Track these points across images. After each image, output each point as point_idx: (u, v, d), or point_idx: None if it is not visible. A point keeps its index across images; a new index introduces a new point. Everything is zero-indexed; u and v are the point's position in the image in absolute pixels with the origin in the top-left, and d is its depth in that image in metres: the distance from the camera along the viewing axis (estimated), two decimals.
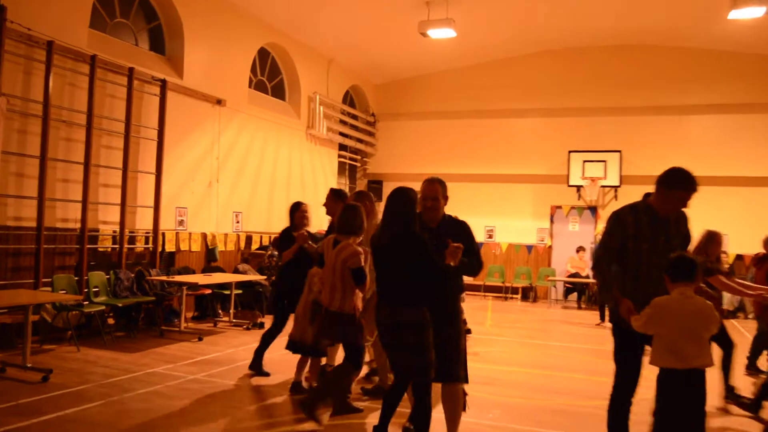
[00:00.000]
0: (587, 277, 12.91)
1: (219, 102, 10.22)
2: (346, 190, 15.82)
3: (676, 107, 13.53)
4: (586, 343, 8.74)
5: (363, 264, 4.37)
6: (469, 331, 8.43)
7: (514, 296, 14.32)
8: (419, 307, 3.57)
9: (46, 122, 7.21)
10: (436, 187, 3.73)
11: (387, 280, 3.67)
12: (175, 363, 6.34)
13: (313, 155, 13.51)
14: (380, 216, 5.17)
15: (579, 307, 13.14)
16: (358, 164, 16.04)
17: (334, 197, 5.62)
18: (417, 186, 3.96)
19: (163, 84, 8.97)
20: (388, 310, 3.63)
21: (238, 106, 10.84)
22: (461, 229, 3.75)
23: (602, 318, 10.63)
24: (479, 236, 15.08)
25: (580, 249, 13.40)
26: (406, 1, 11.03)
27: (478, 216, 14.96)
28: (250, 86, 11.52)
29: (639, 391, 3.50)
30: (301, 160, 13.02)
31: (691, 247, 3.74)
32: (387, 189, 15.81)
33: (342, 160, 15.09)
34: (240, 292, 9.54)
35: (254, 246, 10.94)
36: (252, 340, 7.71)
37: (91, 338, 7.38)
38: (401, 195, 3.69)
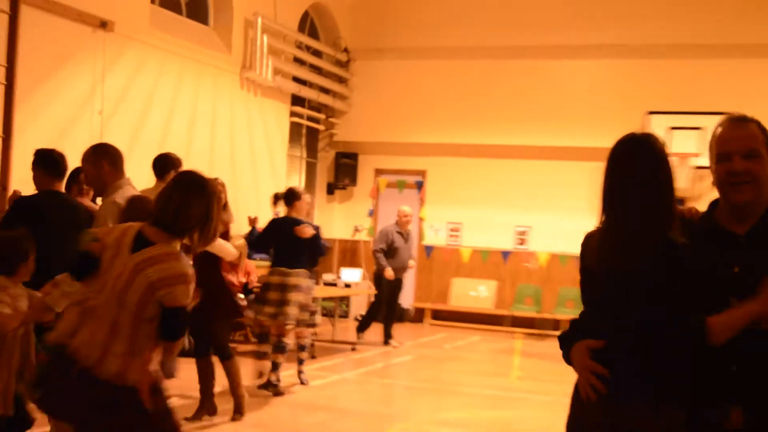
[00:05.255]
0: None
1: (103, 25, 10.17)
2: (301, 164, 15.78)
3: None
4: None
5: (190, 301, 3.64)
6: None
7: (557, 333, 14.33)
8: (665, 402, 2.86)
9: None
10: (751, 132, 2.91)
11: (610, 343, 3.00)
12: None
13: (251, 111, 13.51)
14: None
15: None
16: (322, 127, 16.08)
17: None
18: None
19: None
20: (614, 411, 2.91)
21: (134, 31, 10.80)
22: None
23: None
24: (506, 241, 15.12)
25: None
26: None
27: (503, 210, 15.01)
28: (152, 1, 11.50)
29: None
30: (231, 119, 13.02)
31: None
32: (364, 165, 15.90)
33: (296, 120, 15.10)
34: None
35: None
36: None
37: None
38: (641, 148, 2.95)
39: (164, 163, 7.17)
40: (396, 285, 12.41)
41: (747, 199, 2.80)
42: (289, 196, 8.67)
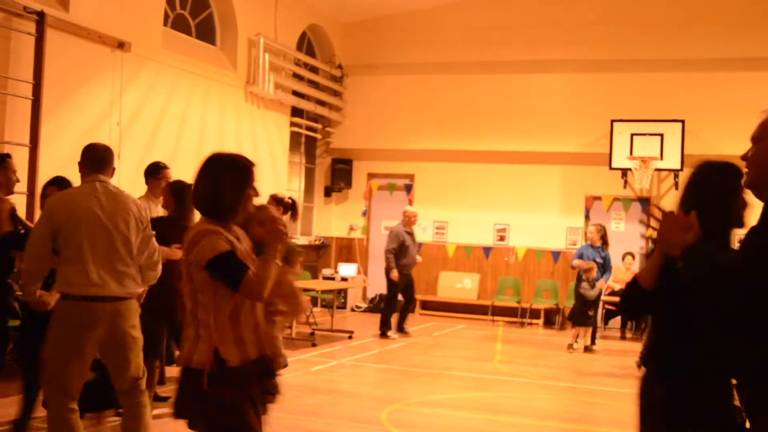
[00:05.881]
0: None
1: (121, 46, 10.20)
2: (301, 169, 15.77)
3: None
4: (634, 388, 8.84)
5: (229, 248, 3.27)
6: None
7: (535, 321, 14.48)
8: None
9: None
10: (763, 120, 2.74)
11: None
12: None
13: (255, 122, 13.53)
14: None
15: (623, 337, 13.31)
16: (319, 136, 16.09)
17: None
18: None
19: (41, 18, 8.85)
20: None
21: (149, 51, 10.83)
22: None
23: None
24: (487, 238, 15.16)
25: (626, 255, 13.53)
26: None
27: (484, 210, 15.04)
28: (165, 24, 11.51)
29: None
30: (237, 129, 13.05)
31: None
32: (358, 170, 15.92)
33: (296, 129, 15.10)
34: None
35: None
36: None
37: None
38: (693, 173, 3.20)
39: (146, 172, 7.25)
40: (409, 281, 12.20)
41: (747, 181, 2.72)
42: None
